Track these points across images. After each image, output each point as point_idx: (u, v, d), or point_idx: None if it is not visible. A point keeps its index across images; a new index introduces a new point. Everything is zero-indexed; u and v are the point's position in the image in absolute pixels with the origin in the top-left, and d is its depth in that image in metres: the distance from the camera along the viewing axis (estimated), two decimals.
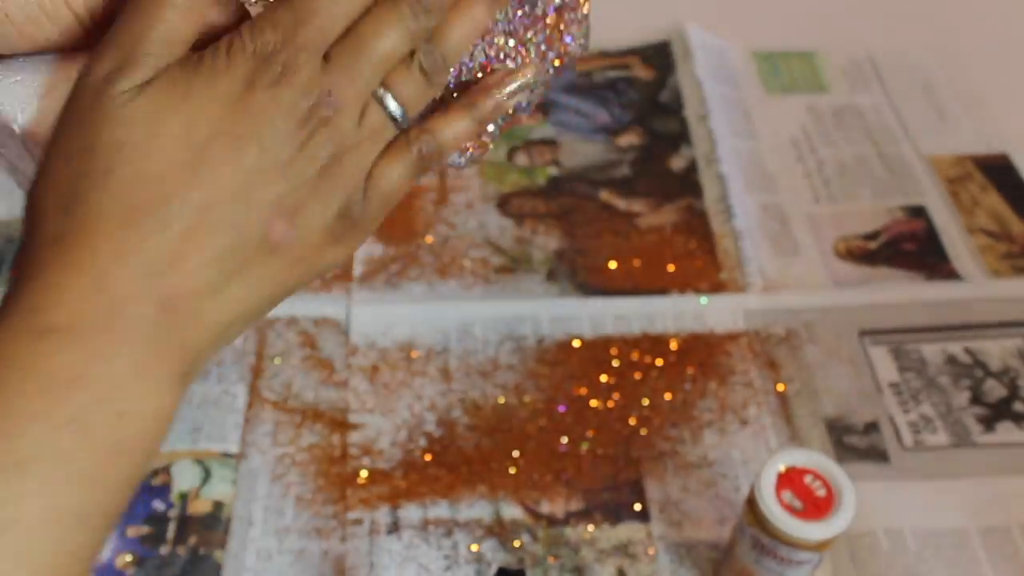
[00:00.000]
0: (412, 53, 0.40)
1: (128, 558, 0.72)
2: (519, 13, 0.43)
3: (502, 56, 0.43)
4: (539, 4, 0.43)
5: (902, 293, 0.89)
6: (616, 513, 0.75)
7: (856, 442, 0.79)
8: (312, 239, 0.39)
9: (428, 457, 0.77)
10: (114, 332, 0.35)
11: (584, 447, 0.78)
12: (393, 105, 0.40)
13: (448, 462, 0.77)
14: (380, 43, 0.39)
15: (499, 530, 0.74)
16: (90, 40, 0.40)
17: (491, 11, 0.42)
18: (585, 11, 0.44)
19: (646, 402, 0.81)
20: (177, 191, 0.36)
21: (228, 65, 0.37)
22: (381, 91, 0.40)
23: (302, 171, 0.38)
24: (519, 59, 0.44)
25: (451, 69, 0.42)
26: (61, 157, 0.37)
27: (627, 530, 0.74)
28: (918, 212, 0.96)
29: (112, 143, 0.36)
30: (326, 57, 0.38)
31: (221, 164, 0.37)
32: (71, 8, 0.39)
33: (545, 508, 0.75)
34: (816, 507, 0.62)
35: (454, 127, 0.42)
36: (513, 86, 0.43)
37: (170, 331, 0.36)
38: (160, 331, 0.36)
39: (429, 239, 0.92)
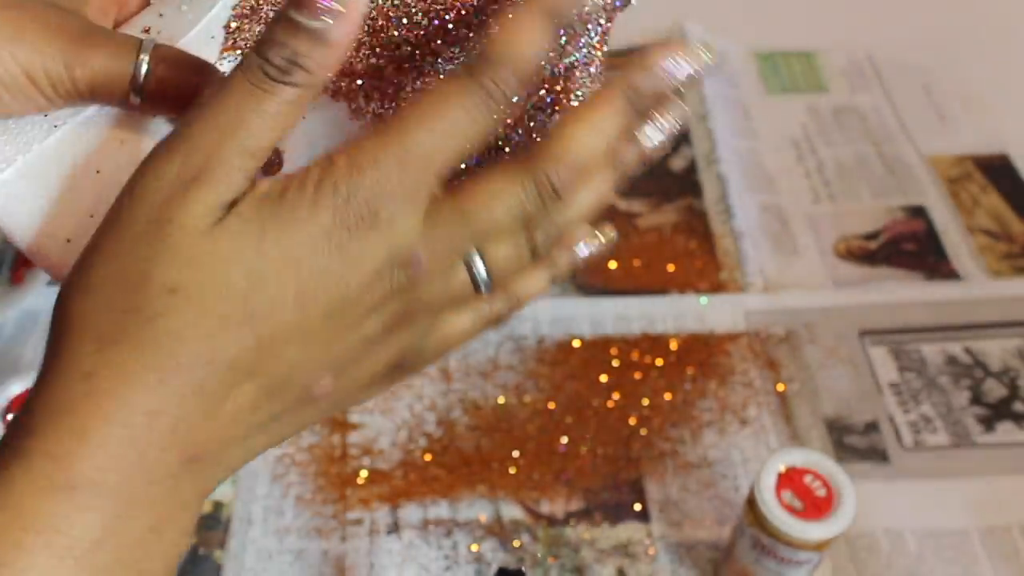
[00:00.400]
0: (523, 224, 0.35)
1: None
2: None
3: None
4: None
5: (902, 293, 0.89)
6: (616, 513, 0.75)
7: (856, 442, 0.79)
8: (355, 388, 0.36)
9: (428, 457, 0.77)
10: (138, 490, 0.32)
11: (584, 447, 0.78)
12: (483, 274, 0.36)
13: (448, 462, 0.77)
14: (487, 216, 0.34)
15: (499, 530, 0.74)
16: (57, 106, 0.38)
17: (613, 184, 0.37)
18: None
19: (646, 402, 0.81)
20: (228, 350, 0.33)
21: (313, 209, 0.33)
22: (475, 256, 0.35)
23: (365, 332, 0.35)
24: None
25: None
26: (109, 280, 0.33)
27: (627, 530, 0.74)
28: (918, 212, 0.96)
29: (168, 285, 0.32)
30: (426, 211, 0.34)
31: (280, 324, 0.33)
32: (32, 80, 0.36)
33: (545, 508, 0.75)
34: (816, 507, 0.62)
35: (533, 285, 0.38)
36: (595, 247, 0.39)
37: (193, 481, 0.34)
38: (183, 483, 0.33)
39: None
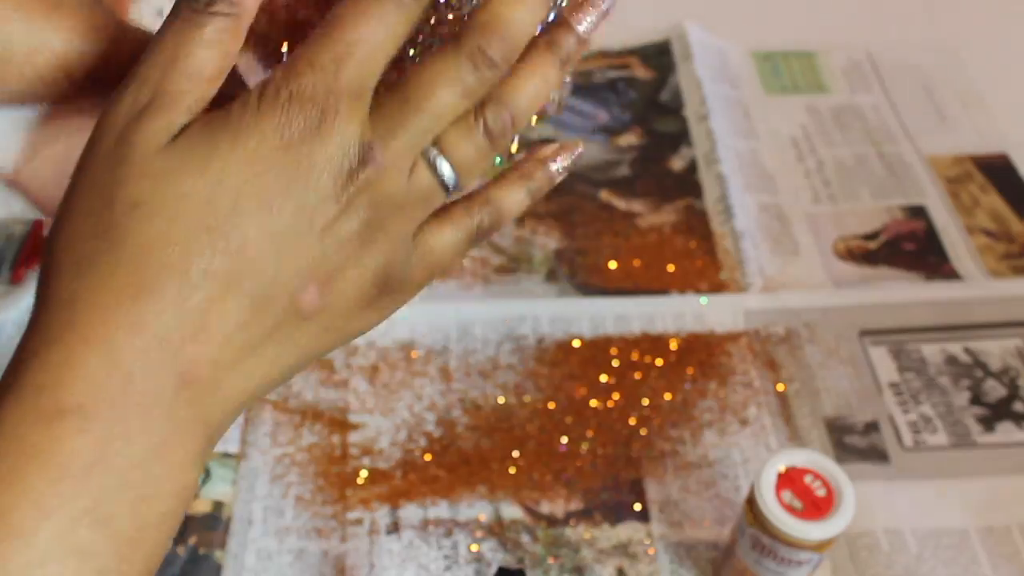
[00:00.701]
0: (473, 109, 0.37)
1: None
2: None
3: None
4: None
5: (902, 293, 0.89)
6: (616, 513, 0.75)
7: (856, 442, 0.79)
8: (345, 306, 0.36)
9: (428, 457, 0.77)
10: (130, 411, 0.33)
11: (584, 447, 0.78)
12: (446, 170, 0.37)
13: (448, 462, 0.77)
14: (432, 100, 0.35)
15: (499, 530, 0.74)
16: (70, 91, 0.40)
17: (564, 71, 0.38)
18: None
19: (646, 402, 0.81)
20: (200, 259, 0.33)
21: (258, 117, 0.34)
22: (434, 152, 0.36)
23: (339, 235, 0.35)
24: None
25: (515, 133, 0.38)
26: (80, 209, 0.34)
27: (627, 530, 0.74)
28: (918, 212, 0.96)
29: (131, 202, 0.34)
30: (373, 104, 0.35)
31: (250, 229, 0.34)
32: (67, 73, 0.38)
33: (545, 508, 0.75)
34: (816, 507, 0.62)
35: (513, 198, 0.40)
36: (567, 159, 0.41)
37: (190, 407, 0.34)
38: (179, 407, 0.34)
39: None
